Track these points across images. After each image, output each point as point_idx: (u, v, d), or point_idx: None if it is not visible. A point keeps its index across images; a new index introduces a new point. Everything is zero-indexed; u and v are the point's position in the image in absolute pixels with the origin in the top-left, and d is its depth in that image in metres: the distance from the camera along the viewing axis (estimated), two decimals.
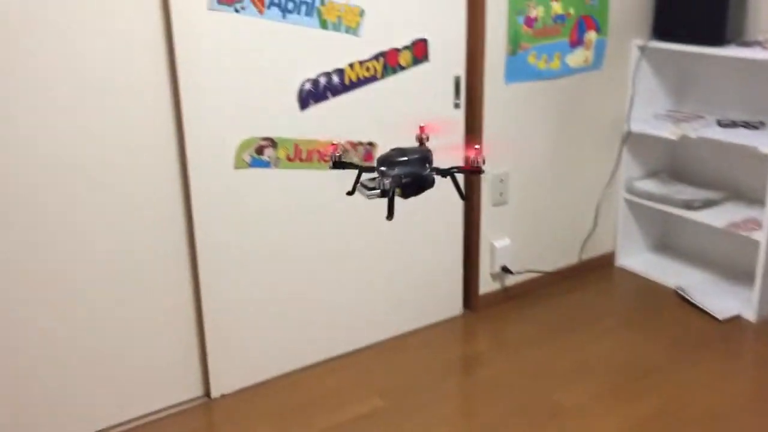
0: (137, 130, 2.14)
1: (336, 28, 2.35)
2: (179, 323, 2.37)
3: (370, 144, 2.52)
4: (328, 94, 2.39)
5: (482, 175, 2.80)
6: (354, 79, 2.43)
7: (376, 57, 2.45)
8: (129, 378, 2.32)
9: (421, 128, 1.55)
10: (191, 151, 2.20)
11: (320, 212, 2.51)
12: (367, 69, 2.45)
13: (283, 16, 2.24)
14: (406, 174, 1.41)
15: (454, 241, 2.88)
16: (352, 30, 2.38)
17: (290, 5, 2.24)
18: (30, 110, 1.97)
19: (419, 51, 2.55)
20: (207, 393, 2.48)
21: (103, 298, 2.21)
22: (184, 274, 2.33)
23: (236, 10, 2.16)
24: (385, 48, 2.47)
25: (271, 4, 2.21)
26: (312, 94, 2.37)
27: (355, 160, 1.49)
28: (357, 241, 2.63)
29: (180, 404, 2.44)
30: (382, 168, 1.41)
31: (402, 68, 2.53)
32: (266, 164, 2.35)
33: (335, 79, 2.39)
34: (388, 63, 2.49)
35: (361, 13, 2.38)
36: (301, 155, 2.40)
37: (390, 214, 1.43)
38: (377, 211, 2.59)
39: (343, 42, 2.37)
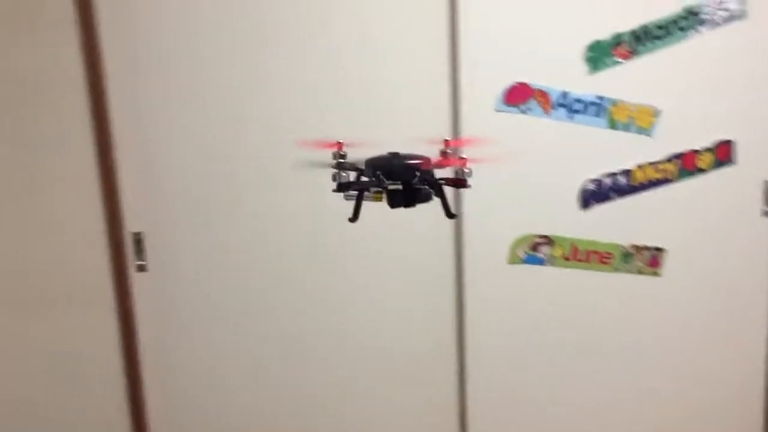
0: (417, 218, 2.29)
1: (626, 128, 2.27)
2: (442, 409, 2.44)
3: (658, 249, 2.37)
4: (613, 194, 2.31)
5: None
6: (643, 180, 2.32)
7: (670, 159, 2.31)
8: None
9: (446, 141, 1.40)
10: (467, 242, 2.29)
11: (595, 315, 2.41)
12: (659, 170, 2.32)
13: (570, 117, 2.24)
14: (388, 176, 1.25)
15: (755, 356, 2.54)
16: (645, 130, 2.28)
17: (577, 106, 2.23)
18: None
19: (723, 153, 2.34)
20: None
21: (374, 368, 2.38)
22: (451, 359, 2.40)
23: (522, 111, 2.21)
24: (682, 150, 2.31)
25: (558, 105, 2.22)
26: (594, 195, 2.31)
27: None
28: (635, 348, 2.46)
29: None
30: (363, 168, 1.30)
31: (701, 171, 2.34)
32: (540, 261, 2.34)
33: (621, 180, 2.31)
34: (685, 166, 2.33)
35: (656, 113, 2.27)
36: (578, 255, 2.35)
37: (354, 216, 1.29)
38: (662, 320, 2.42)
39: (633, 142, 2.28)
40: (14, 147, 2.02)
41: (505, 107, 2.21)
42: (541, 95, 2.22)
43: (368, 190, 1.29)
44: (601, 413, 2.49)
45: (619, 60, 2.23)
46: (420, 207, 2.20)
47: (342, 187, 1.28)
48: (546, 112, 2.23)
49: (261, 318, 2.29)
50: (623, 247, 2.36)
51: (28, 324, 2.13)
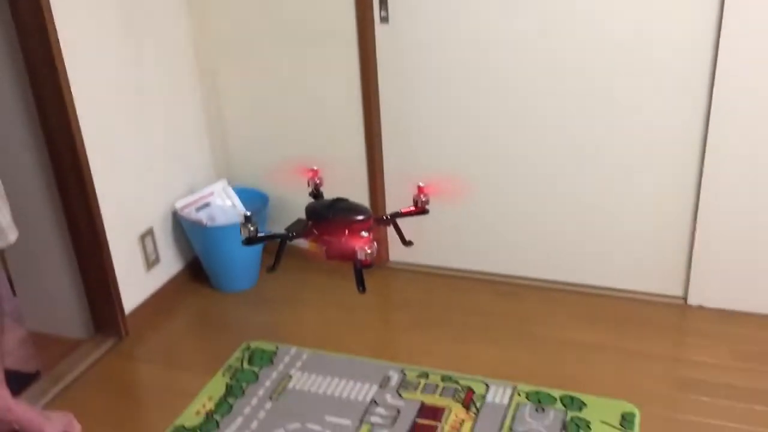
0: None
1: None
2: (675, 219, 2.26)
3: None
4: None
5: None
6: None
7: None
8: (620, 250, 2.37)
9: (420, 188, 1.37)
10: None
11: None
12: None
13: None
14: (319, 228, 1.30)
15: None
16: None
17: None
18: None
19: None
20: (685, 297, 2.33)
21: (617, 181, 2.28)
22: (692, 168, 2.16)
23: None
24: None
25: None
26: None
27: None
28: None
29: (656, 295, 2.37)
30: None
31: None
32: None
33: None
34: None
35: None
36: None
37: (274, 265, 1.35)
38: None
39: None
40: None
41: None
42: None
43: (290, 240, 1.36)
44: None
45: None
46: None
47: (250, 241, 1.30)
48: None
49: (493, 77, 2.27)
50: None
51: (292, 58, 2.44)
